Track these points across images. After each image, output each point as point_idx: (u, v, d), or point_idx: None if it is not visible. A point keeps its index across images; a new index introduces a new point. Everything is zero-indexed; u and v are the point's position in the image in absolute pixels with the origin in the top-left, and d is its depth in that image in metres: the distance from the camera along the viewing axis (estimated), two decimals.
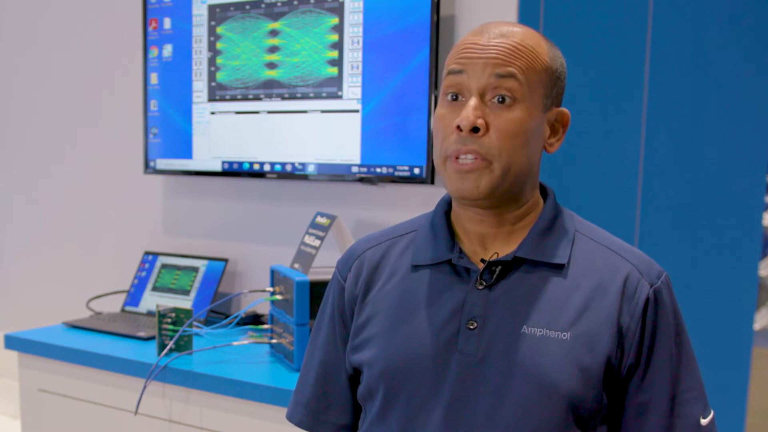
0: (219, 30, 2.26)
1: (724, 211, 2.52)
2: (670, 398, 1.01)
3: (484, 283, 1.03)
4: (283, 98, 2.16)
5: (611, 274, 1.02)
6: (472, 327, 1.01)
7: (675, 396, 1.01)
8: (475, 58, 0.99)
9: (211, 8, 2.26)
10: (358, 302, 1.11)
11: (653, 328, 1.01)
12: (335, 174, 2.10)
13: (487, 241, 1.06)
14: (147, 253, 2.46)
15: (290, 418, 1.20)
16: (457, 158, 0.99)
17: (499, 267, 1.03)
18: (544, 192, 1.11)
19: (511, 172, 1.00)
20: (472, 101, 0.98)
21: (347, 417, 1.16)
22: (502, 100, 0.99)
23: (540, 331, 0.99)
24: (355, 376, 1.14)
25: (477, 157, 0.98)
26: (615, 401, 1.02)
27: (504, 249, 1.05)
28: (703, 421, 1.02)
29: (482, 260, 1.04)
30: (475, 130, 0.98)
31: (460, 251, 1.05)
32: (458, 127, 0.98)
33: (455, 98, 1.01)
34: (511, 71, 0.98)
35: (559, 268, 1.02)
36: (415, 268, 1.08)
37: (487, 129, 0.98)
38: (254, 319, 2.19)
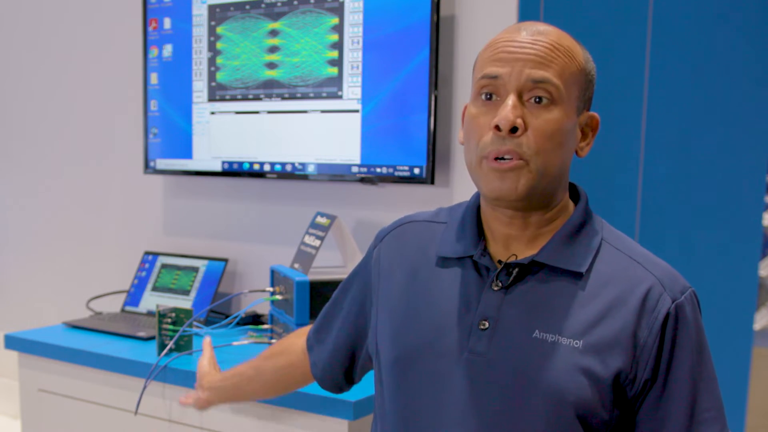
0: (219, 30, 2.26)
1: (724, 211, 2.52)
2: (688, 417, 0.98)
3: (500, 284, 1.02)
4: (283, 98, 2.16)
5: (633, 285, 0.99)
6: (483, 327, 1.00)
7: (693, 415, 0.98)
8: (513, 57, 0.97)
9: (211, 8, 2.26)
10: (382, 276, 1.14)
11: (672, 344, 0.98)
12: (335, 174, 2.10)
13: (510, 243, 1.05)
14: (147, 253, 2.46)
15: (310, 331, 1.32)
16: (495, 159, 0.97)
17: (516, 269, 1.01)
18: (575, 195, 1.09)
19: (547, 173, 0.98)
20: (510, 100, 0.96)
21: (323, 369, 1.27)
22: (539, 100, 0.97)
23: (552, 337, 0.97)
24: (358, 343, 1.21)
25: (516, 157, 0.96)
26: (628, 416, 1.00)
27: (526, 251, 1.03)
28: None
29: (500, 261, 1.03)
30: (513, 130, 0.95)
31: (484, 249, 1.04)
32: (497, 127, 0.96)
33: (489, 98, 0.99)
34: (549, 73, 0.97)
35: (578, 277, 1.00)
36: (440, 259, 1.08)
37: (525, 129, 0.96)
38: (254, 319, 2.19)
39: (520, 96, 0.97)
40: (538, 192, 0.99)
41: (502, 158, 0.96)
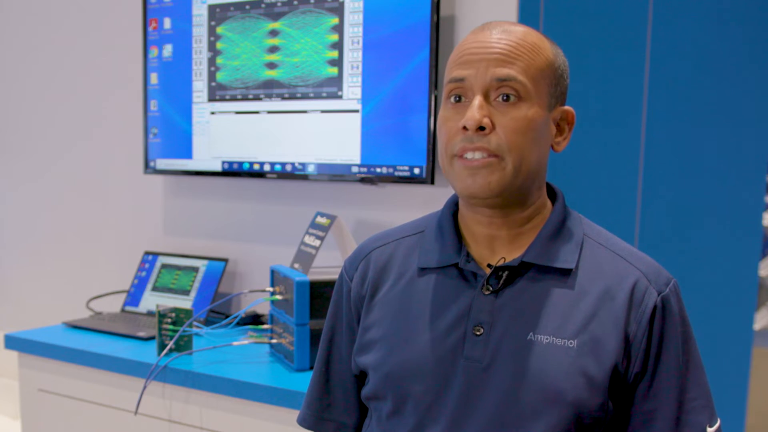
0: (219, 30, 2.26)
1: (724, 211, 2.52)
2: (677, 406, 1.00)
3: (491, 289, 1.02)
4: (283, 98, 2.16)
5: (619, 280, 1.00)
6: (478, 333, 1.00)
7: (682, 404, 1.00)
8: (478, 58, 0.98)
9: (211, 8, 2.26)
10: (365, 303, 1.11)
11: (660, 336, 0.99)
12: (335, 174, 2.10)
13: (494, 244, 1.05)
14: (147, 253, 2.46)
15: (298, 419, 1.20)
16: (463, 156, 0.98)
17: (506, 272, 1.02)
18: (552, 193, 1.09)
19: (523, 170, 0.98)
20: (477, 100, 0.97)
21: (351, 415, 1.16)
22: (507, 98, 0.97)
23: (547, 339, 0.98)
24: (360, 376, 1.13)
25: (487, 154, 0.97)
26: (621, 409, 1.01)
27: (511, 253, 1.04)
28: (710, 430, 1.01)
29: (489, 265, 1.03)
30: (481, 129, 0.96)
31: (468, 255, 1.04)
32: (464, 127, 0.97)
33: (458, 100, 1.00)
34: (514, 70, 0.97)
35: (567, 274, 1.01)
36: (422, 270, 1.07)
37: (493, 127, 0.97)
38: (254, 319, 2.19)
39: (486, 96, 0.98)
40: (513, 189, 0.99)
41: (474, 155, 0.97)
